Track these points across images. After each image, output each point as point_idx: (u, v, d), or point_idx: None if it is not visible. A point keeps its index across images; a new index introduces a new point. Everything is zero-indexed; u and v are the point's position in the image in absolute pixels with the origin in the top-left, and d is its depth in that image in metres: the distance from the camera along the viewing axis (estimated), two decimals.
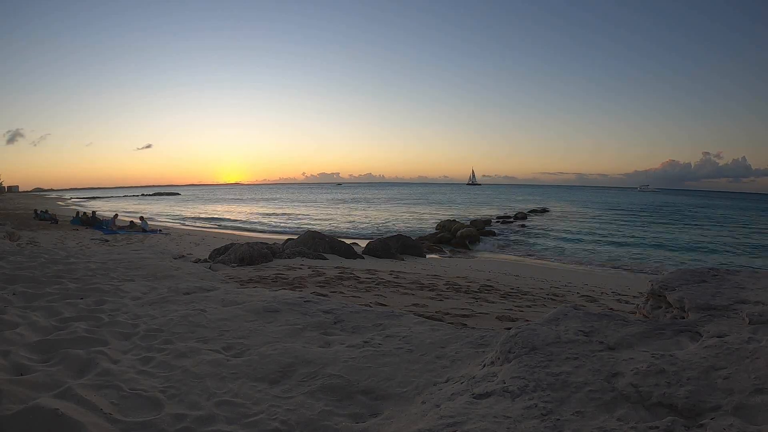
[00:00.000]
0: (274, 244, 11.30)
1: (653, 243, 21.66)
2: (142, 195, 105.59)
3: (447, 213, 38.14)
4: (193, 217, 35.37)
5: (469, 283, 7.76)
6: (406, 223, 30.99)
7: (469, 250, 18.46)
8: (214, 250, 9.79)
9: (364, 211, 42.20)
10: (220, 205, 53.49)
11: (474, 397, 1.95)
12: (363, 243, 14.86)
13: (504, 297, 6.42)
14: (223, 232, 22.78)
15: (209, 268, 7.53)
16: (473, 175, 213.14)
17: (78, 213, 23.15)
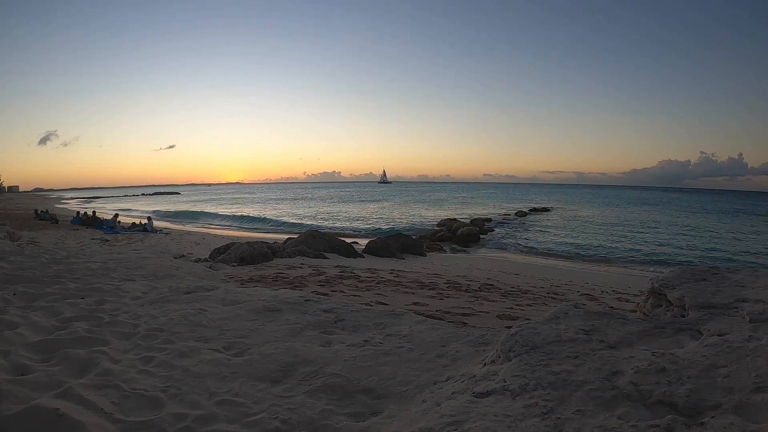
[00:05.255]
0: (274, 243, 11.31)
1: (655, 242, 21.64)
2: (142, 195, 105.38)
3: (447, 212, 38.14)
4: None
5: (469, 282, 7.76)
6: (406, 221, 30.98)
7: (470, 248, 18.46)
8: (215, 249, 9.80)
9: (364, 210, 42.19)
10: (221, 205, 53.36)
11: (474, 396, 1.95)
12: (363, 242, 14.85)
13: (504, 295, 6.42)
14: (223, 232, 22.77)
15: (209, 267, 7.54)
16: (384, 175, 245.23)
17: (78, 213, 23.16)
